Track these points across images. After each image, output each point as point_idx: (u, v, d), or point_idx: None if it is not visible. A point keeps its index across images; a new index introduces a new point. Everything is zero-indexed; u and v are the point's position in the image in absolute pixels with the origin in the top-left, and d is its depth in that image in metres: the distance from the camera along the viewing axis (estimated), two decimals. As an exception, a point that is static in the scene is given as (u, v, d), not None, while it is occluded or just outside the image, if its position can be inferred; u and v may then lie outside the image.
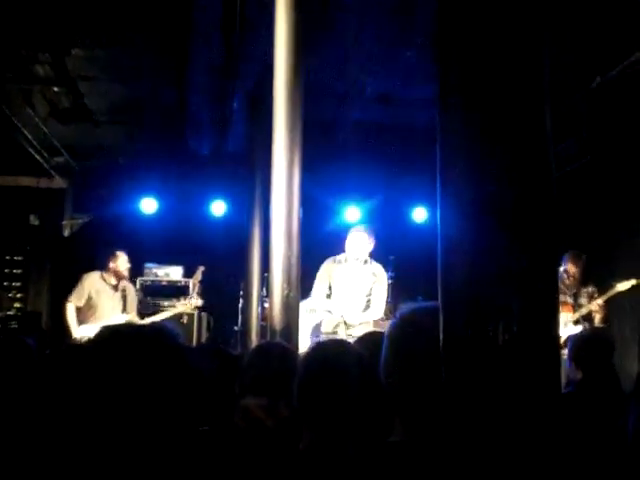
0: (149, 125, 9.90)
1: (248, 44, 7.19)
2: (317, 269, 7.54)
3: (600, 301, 8.21)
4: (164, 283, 10.43)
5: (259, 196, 8.74)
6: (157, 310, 9.25)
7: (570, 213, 9.11)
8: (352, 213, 11.77)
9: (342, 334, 6.85)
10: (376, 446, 1.94)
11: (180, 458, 1.49)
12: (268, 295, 5.83)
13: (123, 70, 8.20)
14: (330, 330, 7.08)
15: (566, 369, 4.75)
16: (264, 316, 8.33)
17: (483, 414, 1.57)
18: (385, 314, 7.57)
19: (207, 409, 3.04)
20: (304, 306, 6.69)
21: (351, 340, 3.73)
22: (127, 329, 1.67)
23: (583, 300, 8.36)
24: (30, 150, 10.14)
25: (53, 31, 7.04)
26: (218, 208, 11.84)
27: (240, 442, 3.02)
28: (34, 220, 11.58)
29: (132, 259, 9.64)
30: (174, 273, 10.80)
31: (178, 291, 10.13)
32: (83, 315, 8.30)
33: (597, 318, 8.23)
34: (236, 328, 9.73)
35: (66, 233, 11.79)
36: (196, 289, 9.58)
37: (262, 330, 8.41)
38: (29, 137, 9.75)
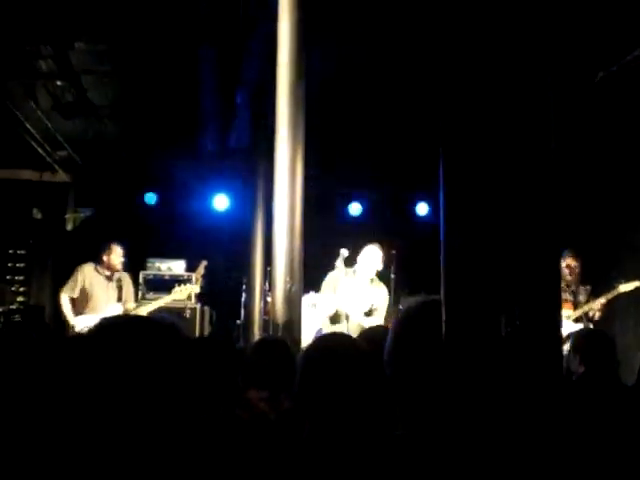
0: (152, 119, 9.90)
1: (251, 40, 7.20)
2: (320, 263, 7.54)
3: (603, 300, 8.21)
4: (167, 277, 10.43)
5: (262, 190, 8.77)
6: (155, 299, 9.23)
7: (573, 212, 9.10)
8: (355, 208, 11.78)
9: (344, 328, 6.87)
10: (378, 439, 1.96)
11: (183, 450, 1.50)
12: (271, 289, 5.85)
13: (126, 64, 8.19)
14: (333, 323, 7.08)
15: (565, 365, 4.76)
16: (266, 310, 8.35)
17: (485, 407, 1.58)
18: (388, 310, 7.56)
19: (211, 402, 3.06)
20: (306, 300, 6.70)
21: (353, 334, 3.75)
22: (124, 321, 1.68)
23: (582, 298, 8.37)
24: (33, 144, 10.15)
25: (56, 25, 7.04)
26: (221, 202, 11.84)
27: (243, 434, 3.03)
28: (37, 214, 11.60)
29: (135, 253, 9.66)
30: (177, 267, 10.81)
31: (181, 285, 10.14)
32: (79, 306, 8.32)
33: (597, 317, 8.24)
34: (238, 322, 9.75)
35: (69, 227, 11.80)
36: (199, 283, 9.58)
37: (264, 324, 8.43)
38: (32, 131, 9.76)
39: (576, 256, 8.32)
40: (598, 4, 6.42)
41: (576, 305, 8.30)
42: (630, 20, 6.62)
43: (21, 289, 11.47)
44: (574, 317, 8.21)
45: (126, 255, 8.59)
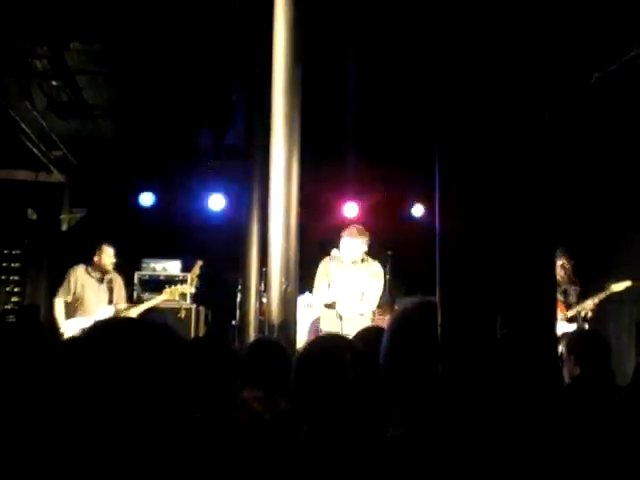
0: (147, 119, 9.89)
1: (247, 38, 7.20)
2: (315, 264, 7.54)
3: (595, 300, 8.25)
4: (162, 277, 10.42)
5: (257, 190, 8.75)
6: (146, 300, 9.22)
7: (568, 212, 9.13)
8: (350, 208, 11.78)
9: (337, 330, 6.89)
10: (374, 440, 1.95)
11: (178, 452, 1.49)
12: (266, 290, 5.84)
13: (121, 64, 8.19)
14: (328, 327, 7.10)
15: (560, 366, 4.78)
16: (262, 310, 8.35)
17: (481, 408, 1.58)
18: (383, 309, 7.57)
19: (207, 403, 3.05)
20: (302, 301, 6.70)
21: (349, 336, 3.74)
22: (113, 324, 1.67)
23: (572, 298, 8.40)
24: (28, 144, 10.14)
25: (51, 25, 7.03)
26: (216, 202, 11.83)
27: (238, 435, 3.03)
28: (32, 214, 11.57)
29: (130, 253, 9.65)
30: (172, 267, 10.80)
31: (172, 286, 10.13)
32: (71, 309, 8.31)
33: (589, 317, 8.27)
34: (234, 322, 9.74)
35: (64, 227, 11.78)
36: (194, 283, 9.57)
37: (260, 324, 8.43)
38: (27, 131, 9.75)
39: (568, 256, 8.35)
40: (594, 4, 6.42)
41: (568, 305, 8.33)
42: (625, 21, 6.63)
43: (16, 289, 11.44)
44: (567, 317, 8.23)
45: (119, 255, 8.58)
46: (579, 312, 8.26)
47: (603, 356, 4.68)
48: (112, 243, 8.55)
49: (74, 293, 8.33)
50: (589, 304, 8.26)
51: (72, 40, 7.36)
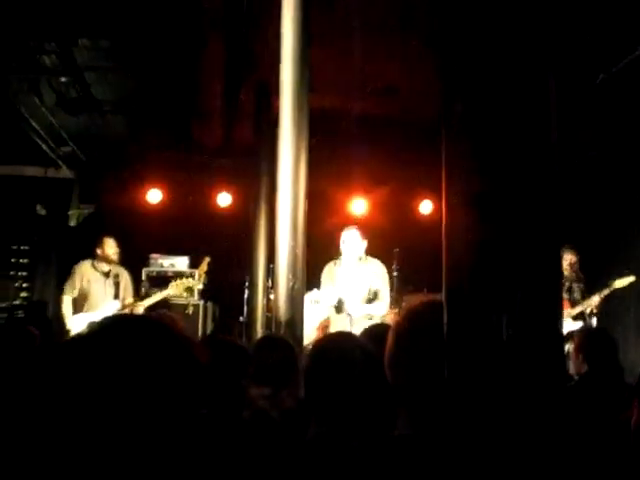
0: (156, 116, 9.90)
1: (255, 36, 7.20)
2: (322, 261, 7.56)
3: (599, 297, 8.26)
4: (170, 274, 10.43)
5: (265, 187, 8.76)
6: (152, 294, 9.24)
7: (572, 210, 9.12)
8: (358, 205, 11.78)
9: (347, 317, 6.96)
10: (381, 439, 1.95)
11: (184, 451, 1.49)
12: (273, 286, 5.85)
13: (130, 60, 8.20)
14: (338, 312, 7.14)
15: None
16: (269, 307, 8.36)
17: (487, 408, 1.57)
18: (390, 306, 7.58)
19: (215, 400, 3.06)
20: (308, 297, 6.71)
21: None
22: (118, 321, 1.67)
23: (577, 295, 8.40)
24: (37, 140, 10.16)
25: (60, 21, 7.04)
26: (224, 199, 11.84)
27: (245, 432, 3.03)
28: (41, 210, 11.59)
29: (138, 249, 9.68)
30: (180, 264, 10.82)
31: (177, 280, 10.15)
32: (77, 304, 8.36)
33: (593, 314, 8.27)
34: (241, 319, 9.75)
35: (72, 223, 11.80)
36: (202, 279, 9.59)
37: (267, 321, 8.44)
38: (36, 127, 9.77)
39: (573, 252, 8.36)
40: (598, 5, 6.41)
41: (572, 302, 8.33)
42: (630, 21, 6.61)
43: (24, 285, 11.47)
44: (572, 315, 8.23)
45: (125, 251, 8.63)
46: (584, 309, 8.27)
47: (610, 353, 4.68)
48: (120, 239, 8.59)
49: (80, 288, 8.37)
50: (593, 301, 8.26)
51: (80, 36, 7.37)
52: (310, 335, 6.72)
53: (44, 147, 10.52)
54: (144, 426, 1.41)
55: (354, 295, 7.18)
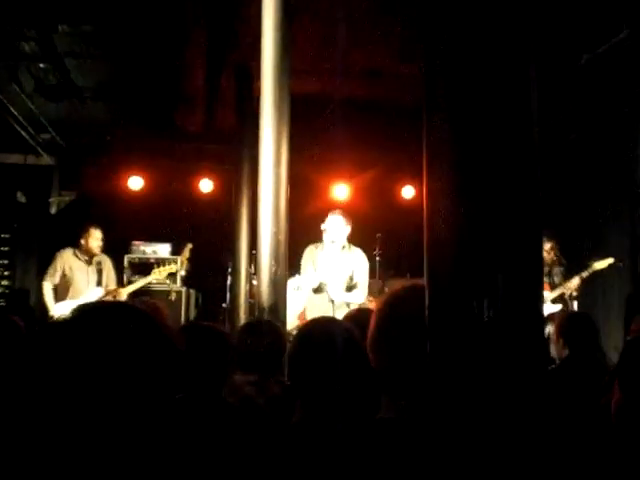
0: (137, 102, 9.85)
1: (237, 17, 7.17)
2: (305, 246, 7.56)
3: (578, 279, 8.32)
4: (152, 260, 10.40)
5: (247, 173, 8.75)
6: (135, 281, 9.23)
7: (555, 192, 9.16)
8: (340, 190, 11.77)
9: (326, 299, 6.98)
10: (365, 423, 1.96)
11: (166, 437, 1.50)
12: (256, 272, 5.85)
13: (110, 46, 8.14)
14: (318, 312, 7.12)
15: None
16: (252, 293, 8.36)
17: (469, 390, 1.58)
18: (373, 292, 7.60)
19: (198, 387, 3.05)
20: (291, 283, 6.72)
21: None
22: (97, 307, 1.67)
23: (556, 279, 8.46)
24: (17, 127, 10.08)
25: (39, 7, 6.98)
26: (206, 186, 11.81)
27: (232, 419, 3.03)
28: (21, 197, 11.52)
29: (119, 236, 9.64)
30: (162, 250, 10.78)
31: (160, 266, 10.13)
32: (60, 292, 8.35)
33: (574, 296, 8.33)
34: (224, 305, 9.75)
35: (53, 210, 11.74)
36: (184, 266, 9.58)
37: (250, 307, 8.45)
38: (15, 114, 9.69)
39: (552, 236, 8.41)
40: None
41: (552, 286, 8.38)
42: (616, 2, 6.62)
43: (5, 273, 11.41)
44: (552, 298, 8.29)
45: (109, 238, 8.60)
46: (564, 292, 8.33)
47: (591, 337, 4.72)
48: (101, 226, 8.56)
49: (63, 276, 8.35)
50: (572, 284, 8.32)
51: (60, 22, 7.31)
52: (293, 321, 6.73)
53: (24, 134, 10.44)
54: (120, 410, 1.42)
55: (336, 281, 7.19)
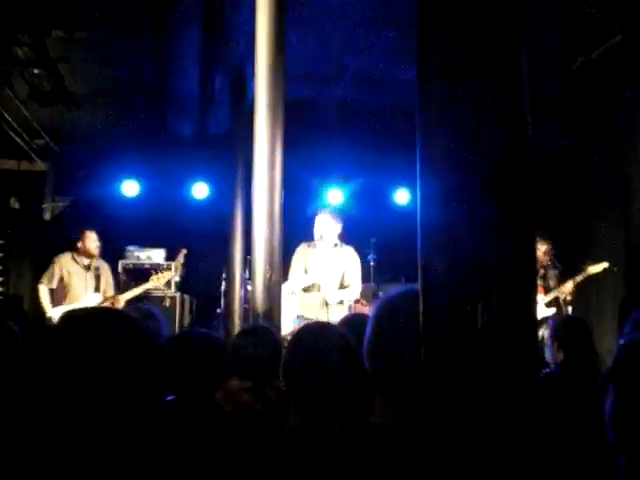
0: (131, 107, 9.85)
1: (230, 24, 7.17)
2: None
3: (572, 283, 8.31)
4: (146, 266, 10.39)
5: (241, 178, 8.73)
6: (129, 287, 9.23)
7: (548, 196, 9.18)
8: (334, 195, 11.78)
9: (323, 317, 6.91)
10: (361, 428, 1.96)
11: (166, 444, 1.49)
12: (250, 277, 5.84)
13: (104, 52, 8.14)
14: (312, 314, 7.10)
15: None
16: (247, 298, 8.35)
17: (463, 395, 1.58)
18: (367, 296, 7.60)
19: (191, 396, 3.05)
20: (286, 288, 6.71)
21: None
22: (88, 313, 1.67)
23: (551, 282, 8.45)
24: (10, 133, 10.05)
25: (33, 12, 6.97)
26: (200, 190, 11.81)
27: (228, 427, 3.02)
28: (14, 203, 11.49)
29: (114, 242, 9.63)
30: (156, 256, 10.77)
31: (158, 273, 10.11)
32: (58, 297, 8.35)
33: (568, 301, 8.33)
34: (219, 310, 9.74)
35: (47, 216, 11.72)
36: (179, 272, 9.57)
37: (245, 312, 8.43)
38: (9, 119, 9.67)
39: (546, 239, 8.40)
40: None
41: (547, 289, 8.38)
42: (609, 6, 6.64)
43: (-1, 279, 11.40)
44: (546, 301, 8.28)
45: (103, 244, 8.59)
46: (557, 297, 8.32)
47: (586, 341, 4.73)
48: (96, 231, 8.56)
49: (61, 280, 8.35)
50: (567, 288, 8.31)
51: (53, 27, 7.30)
52: (288, 326, 6.72)
53: (17, 140, 10.42)
54: (106, 416, 1.42)
55: (329, 280, 7.20)
